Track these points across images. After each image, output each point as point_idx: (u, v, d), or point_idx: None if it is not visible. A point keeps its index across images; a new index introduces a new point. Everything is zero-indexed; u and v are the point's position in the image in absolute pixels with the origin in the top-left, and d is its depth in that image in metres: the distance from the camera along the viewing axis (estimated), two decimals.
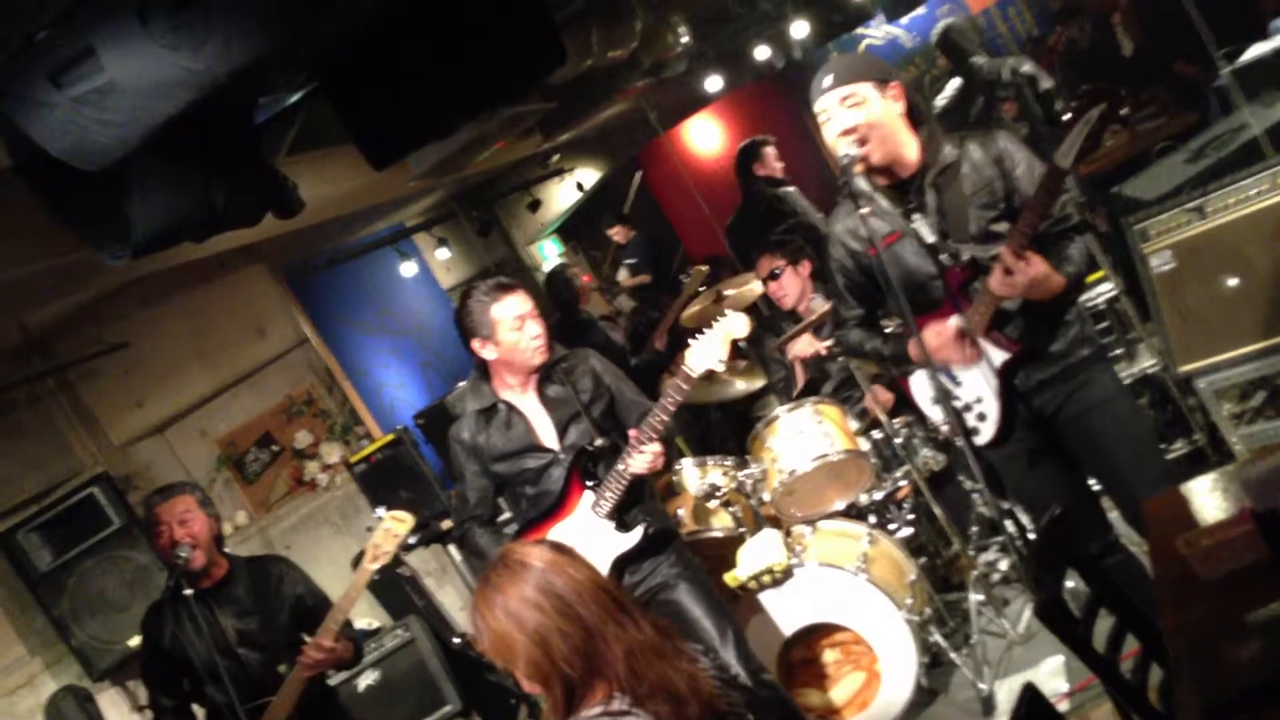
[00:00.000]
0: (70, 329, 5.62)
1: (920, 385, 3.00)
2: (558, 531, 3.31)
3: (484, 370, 3.43)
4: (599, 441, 3.35)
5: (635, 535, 3.29)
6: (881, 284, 2.63)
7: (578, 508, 3.34)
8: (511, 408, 3.39)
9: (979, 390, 2.83)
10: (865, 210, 2.62)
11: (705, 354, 3.20)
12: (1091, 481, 3.02)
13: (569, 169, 9.08)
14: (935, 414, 2.99)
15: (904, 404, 4.16)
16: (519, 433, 3.37)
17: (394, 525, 3.50)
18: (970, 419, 2.85)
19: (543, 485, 3.38)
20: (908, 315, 2.60)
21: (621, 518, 3.32)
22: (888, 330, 3.12)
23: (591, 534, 3.28)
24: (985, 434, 2.85)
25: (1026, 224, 2.56)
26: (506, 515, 3.75)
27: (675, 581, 3.36)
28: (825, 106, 2.74)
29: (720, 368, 3.23)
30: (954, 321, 2.77)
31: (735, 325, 3.20)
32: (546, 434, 3.37)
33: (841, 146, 2.70)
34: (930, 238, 2.76)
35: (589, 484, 3.33)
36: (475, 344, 3.33)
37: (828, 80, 2.73)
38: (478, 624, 1.99)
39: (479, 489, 3.46)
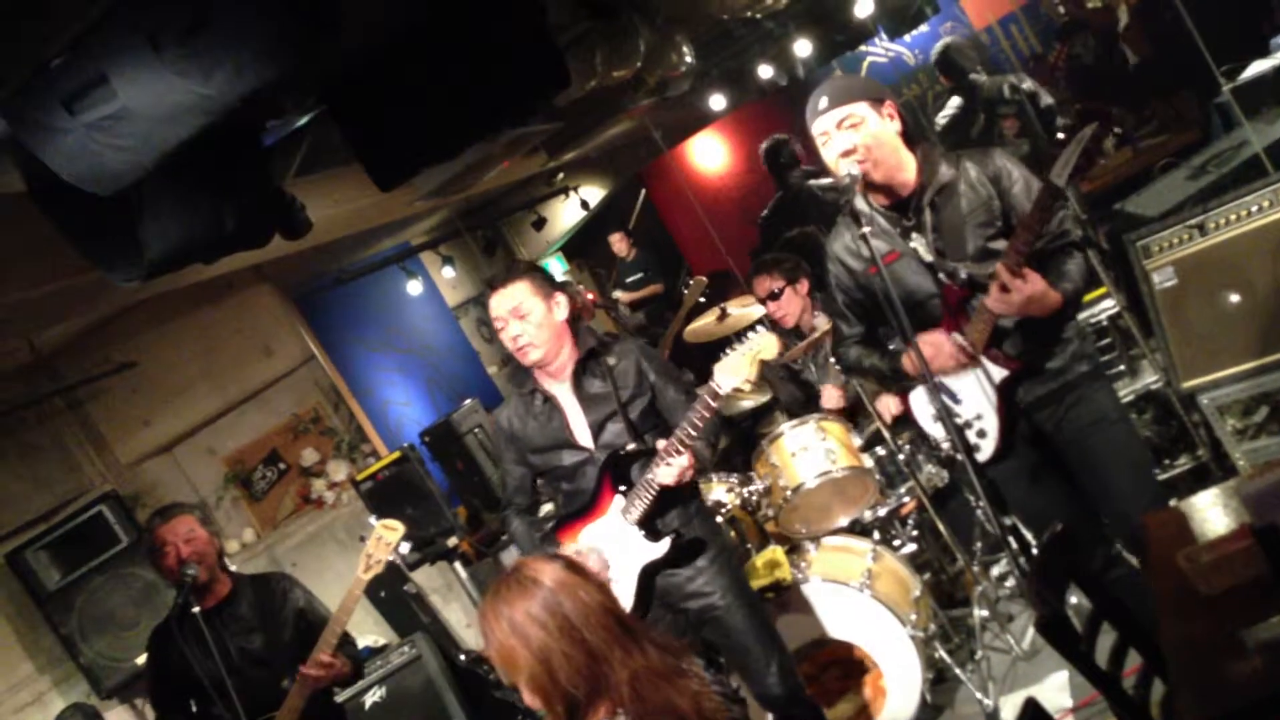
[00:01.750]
0: (79, 349, 5.66)
1: (921, 403, 3.02)
2: (589, 533, 3.27)
3: None
4: (630, 446, 3.26)
5: (663, 545, 3.20)
6: (881, 302, 2.64)
7: (609, 511, 3.26)
8: (550, 398, 3.31)
9: (979, 407, 2.84)
10: (865, 229, 2.64)
11: (731, 373, 3.09)
12: None
13: (574, 187, 9.13)
14: (936, 431, 3.00)
15: (907, 420, 4.17)
16: (555, 426, 3.29)
17: (385, 533, 3.53)
18: (971, 436, 2.85)
19: (577, 483, 3.32)
20: (908, 332, 2.61)
21: (651, 526, 3.23)
22: (890, 347, 3.12)
23: (621, 540, 3.22)
24: (986, 451, 2.86)
25: (1021, 241, 2.59)
26: (549, 506, 3.69)
27: (723, 601, 3.26)
28: (824, 129, 2.76)
29: (747, 387, 3.16)
30: (954, 339, 2.78)
31: (763, 345, 3.09)
32: (580, 431, 3.29)
33: (842, 167, 2.72)
34: (928, 256, 2.78)
35: (620, 488, 3.24)
36: None
37: (823, 102, 2.75)
38: (485, 633, 2.01)
39: (516, 477, 3.44)
